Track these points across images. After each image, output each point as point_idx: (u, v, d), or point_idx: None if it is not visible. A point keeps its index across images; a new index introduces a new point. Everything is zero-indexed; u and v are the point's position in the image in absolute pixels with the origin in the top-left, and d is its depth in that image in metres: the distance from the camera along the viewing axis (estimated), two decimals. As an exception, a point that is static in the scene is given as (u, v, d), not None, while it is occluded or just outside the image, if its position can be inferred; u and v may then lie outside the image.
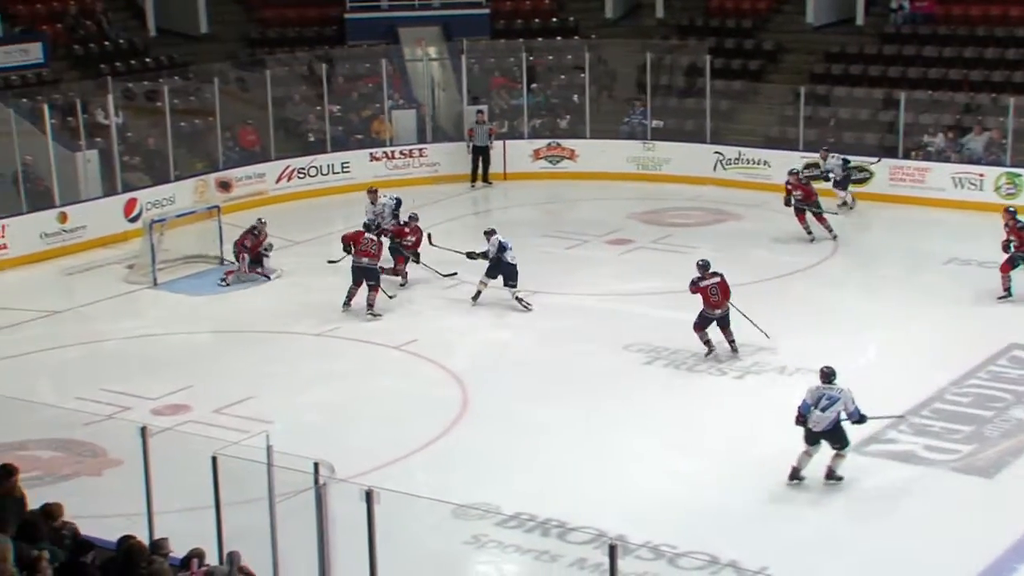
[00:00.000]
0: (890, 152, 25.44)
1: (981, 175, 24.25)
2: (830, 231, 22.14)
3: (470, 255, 19.31)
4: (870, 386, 14.89)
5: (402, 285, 19.97)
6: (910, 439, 14.25)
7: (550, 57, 30.08)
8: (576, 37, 30.68)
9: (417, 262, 20.16)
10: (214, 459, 9.90)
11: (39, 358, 17.57)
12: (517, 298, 18.84)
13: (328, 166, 26.75)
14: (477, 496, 12.67)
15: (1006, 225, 19.02)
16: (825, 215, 22.21)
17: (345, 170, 26.77)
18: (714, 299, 16.58)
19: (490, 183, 27.13)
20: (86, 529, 9.72)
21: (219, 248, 21.41)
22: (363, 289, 18.67)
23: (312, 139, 27.57)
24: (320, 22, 31.45)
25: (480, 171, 27.03)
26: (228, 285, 20.40)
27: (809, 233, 22.15)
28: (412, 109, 28.51)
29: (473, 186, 27.04)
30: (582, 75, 28.10)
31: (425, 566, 11.52)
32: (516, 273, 18.78)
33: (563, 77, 29.51)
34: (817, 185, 23.06)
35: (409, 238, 20.13)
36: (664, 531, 12.04)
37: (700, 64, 27.71)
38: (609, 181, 26.85)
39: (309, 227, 23.55)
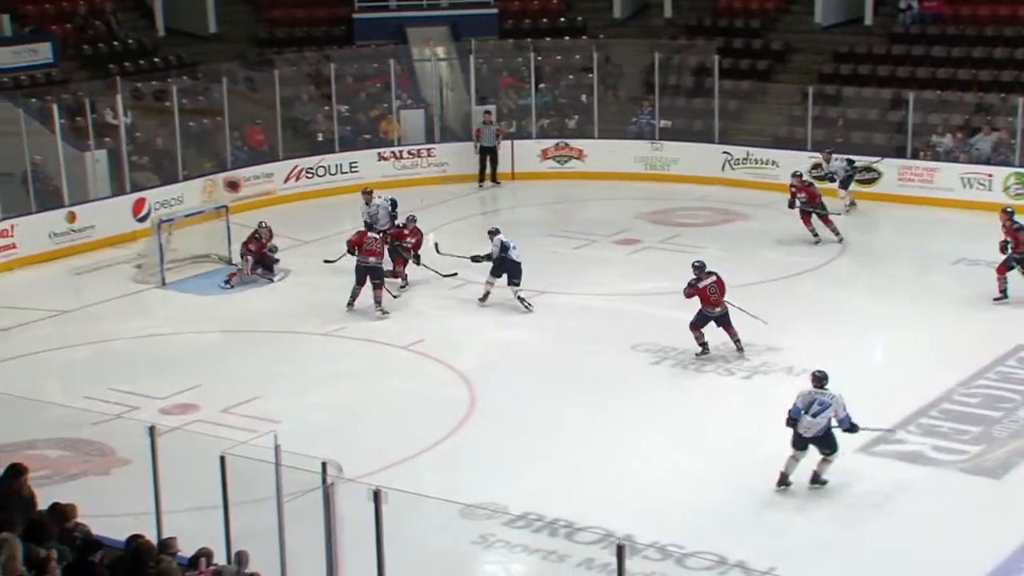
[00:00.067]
0: (899, 152, 25.42)
1: (990, 175, 24.21)
2: (836, 234, 22.06)
3: (475, 259, 19.26)
4: (878, 386, 14.91)
5: (403, 287, 19.93)
6: (918, 439, 14.21)
7: (558, 57, 30.04)
8: (584, 37, 30.64)
9: (417, 264, 20.12)
10: (222, 459, 9.92)
11: (47, 357, 17.61)
12: (519, 298, 18.80)
13: (336, 166, 26.77)
14: (485, 496, 12.66)
15: (1003, 226, 19.00)
16: (831, 217, 22.18)
17: (353, 170, 26.76)
18: (713, 298, 16.56)
19: (498, 183, 27.15)
20: (94, 528, 9.72)
21: (227, 248, 21.44)
22: (367, 289, 18.66)
23: (320, 139, 27.59)
24: (328, 22, 31.45)
25: (488, 171, 27.04)
26: (232, 287, 20.43)
27: (815, 236, 22.09)
28: (420, 109, 28.53)
29: (481, 186, 27.04)
30: (590, 75, 28.03)
31: (433, 566, 11.51)
32: (520, 271, 18.76)
33: (571, 77, 29.48)
34: (821, 186, 23.00)
35: (409, 240, 20.08)
36: (672, 531, 12.04)
37: (708, 64, 27.72)
38: (617, 181, 26.84)
39: (317, 227, 23.53)
